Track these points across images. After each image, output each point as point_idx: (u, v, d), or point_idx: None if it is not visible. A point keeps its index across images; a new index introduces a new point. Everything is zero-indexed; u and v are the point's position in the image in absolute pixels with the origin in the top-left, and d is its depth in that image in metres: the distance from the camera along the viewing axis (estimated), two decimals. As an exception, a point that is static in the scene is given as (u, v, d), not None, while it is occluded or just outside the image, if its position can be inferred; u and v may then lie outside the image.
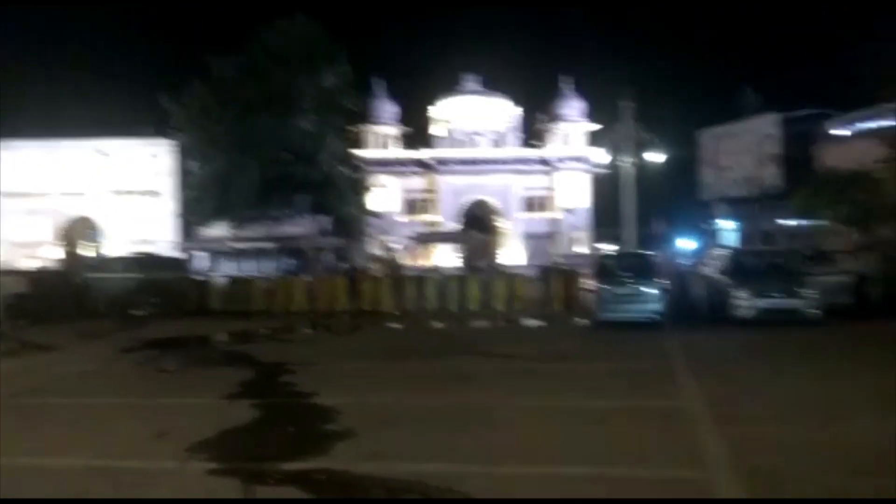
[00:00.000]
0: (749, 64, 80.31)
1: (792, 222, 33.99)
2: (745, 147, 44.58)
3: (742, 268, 15.61)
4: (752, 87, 44.27)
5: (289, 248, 28.84)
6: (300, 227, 31.06)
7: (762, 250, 21.23)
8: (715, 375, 9.17)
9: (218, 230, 31.88)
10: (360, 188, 37.50)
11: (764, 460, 5.35)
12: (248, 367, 10.27)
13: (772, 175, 42.25)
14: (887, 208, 23.87)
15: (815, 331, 13.25)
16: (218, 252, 29.87)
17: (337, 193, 33.61)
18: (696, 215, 46.36)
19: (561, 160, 49.70)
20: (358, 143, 43.22)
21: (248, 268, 25.34)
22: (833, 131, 38.41)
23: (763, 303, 14.32)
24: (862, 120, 34.02)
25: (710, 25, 76.48)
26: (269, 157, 31.14)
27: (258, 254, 27.98)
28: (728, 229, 44.21)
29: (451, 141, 50.30)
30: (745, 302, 14.41)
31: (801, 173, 36.10)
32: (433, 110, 51.07)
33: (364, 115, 42.62)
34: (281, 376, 9.54)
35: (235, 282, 21.22)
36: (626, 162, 36.72)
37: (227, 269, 26.02)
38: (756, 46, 78.31)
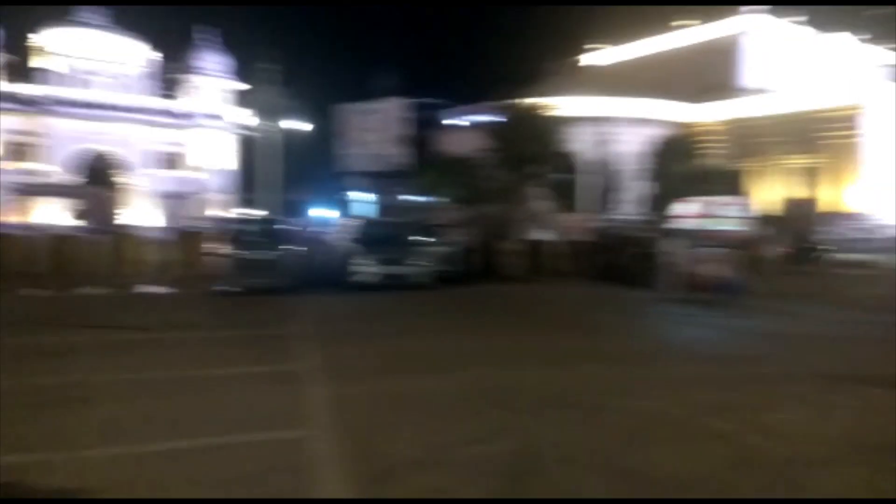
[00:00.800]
0: (392, 50, 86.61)
1: (414, 197, 37.83)
2: (378, 126, 48.12)
3: (367, 237, 16.77)
4: (389, 70, 47.80)
5: None
6: None
7: (386, 222, 23.18)
8: (334, 338, 9.65)
9: None
10: None
11: (360, 414, 5.80)
12: None
13: (399, 154, 46.46)
14: (488, 190, 28.29)
15: (428, 294, 14.97)
16: None
17: None
18: (334, 186, 48.58)
19: (201, 116, 46.94)
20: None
21: None
22: (451, 121, 43.84)
23: (385, 269, 15.64)
24: (474, 113, 39.51)
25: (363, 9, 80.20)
26: None
27: None
28: (360, 201, 47.31)
29: (71, 80, 43.42)
30: (369, 268, 15.54)
31: (425, 155, 40.56)
32: (44, 40, 43.34)
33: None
34: None
35: None
36: (272, 126, 36.50)
37: None
38: (401, 35, 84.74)
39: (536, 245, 20.80)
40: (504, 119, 29.14)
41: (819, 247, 22.59)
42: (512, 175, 27.39)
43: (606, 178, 36.79)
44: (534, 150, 27.12)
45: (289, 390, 6.49)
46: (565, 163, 34.96)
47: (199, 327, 10.53)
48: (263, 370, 7.42)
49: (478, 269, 18.64)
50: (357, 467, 4.53)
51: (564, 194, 35.50)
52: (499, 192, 27.39)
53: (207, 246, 17.90)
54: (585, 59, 53.96)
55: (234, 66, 47.66)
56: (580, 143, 36.29)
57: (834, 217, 34.98)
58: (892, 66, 48.92)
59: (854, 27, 47.14)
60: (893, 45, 48.99)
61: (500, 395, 6.50)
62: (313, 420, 5.55)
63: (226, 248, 15.05)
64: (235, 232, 16.12)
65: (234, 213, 39.38)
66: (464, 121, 41.54)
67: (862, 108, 36.61)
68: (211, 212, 42.81)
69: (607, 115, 38.43)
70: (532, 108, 28.74)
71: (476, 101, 38.82)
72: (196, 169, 46.60)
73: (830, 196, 37.21)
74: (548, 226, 25.68)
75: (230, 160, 47.71)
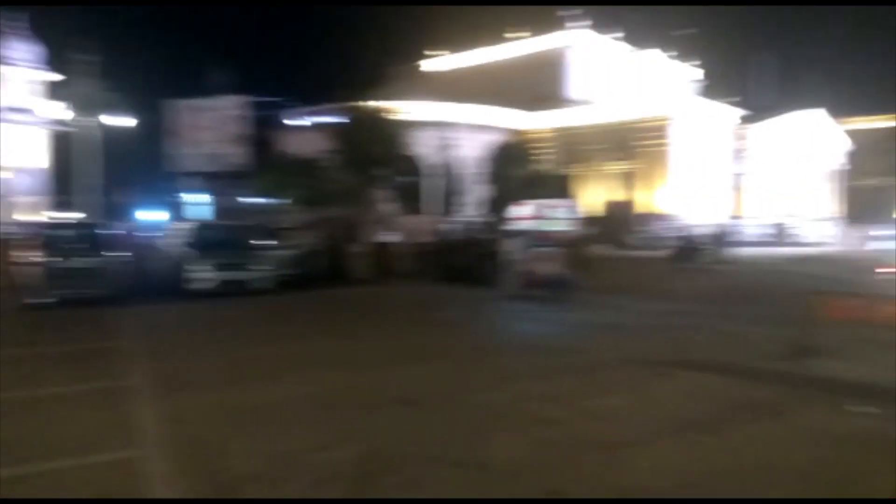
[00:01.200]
0: (228, 45, 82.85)
1: (254, 199, 36.43)
2: (213, 124, 45.75)
3: (203, 241, 15.89)
4: (226, 66, 45.64)
5: None
6: None
7: (224, 225, 22.08)
8: (167, 350, 9.09)
9: None
10: None
11: (198, 429, 5.53)
12: None
13: (237, 154, 44.51)
14: (332, 192, 27.92)
15: (269, 299, 14.50)
16: None
17: None
18: (164, 187, 45.43)
19: (6, 110, 41.89)
20: None
21: None
22: (293, 121, 42.75)
23: (222, 275, 14.93)
24: (317, 114, 38.83)
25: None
26: None
27: None
28: (195, 203, 44.65)
29: None
30: (205, 274, 14.76)
31: (265, 155, 39.24)
32: None
33: None
34: None
35: None
36: (89, 122, 33.36)
37: None
38: (237, 30, 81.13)
39: (383, 247, 20.90)
40: (347, 121, 28.96)
41: (700, 246, 24.69)
42: (357, 177, 27.29)
43: (449, 182, 37.79)
44: (378, 153, 27.22)
45: (117, 408, 6.03)
46: (410, 166, 35.47)
47: (12, 344, 9.41)
48: (87, 388, 6.81)
49: (323, 273, 18.37)
50: (197, 484, 4.30)
51: (409, 197, 36.01)
52: (344, 195, 27.16)
53: (15, 254, 16.04)
54: (426, 65, 55.06)
55: (45, 55, 43.03)
56: (423, 147, 36.96)
57: (648, 217, 38.67)
58: (696, 81, 55.00)
59: (664, 45, 52.24)
60: (696, 63, 55.07)
61: (341, 398, 6.48)
62: (147, 438, 5.20)
63: (37, 256, 13.56)
64: (48, 237, 14.55)
65: (47, 216, 35.54)
66: (306, 121, 40.68)
67: (670, 119, 40.68)
68: (19, 216, 38.30)
69: (448, 120, 39.47)
70: (375, 111, 28.85)
71: (318, 102, 38.25)
72: (1, 169, 41.48)
73: (645, 199, 40.98)
74: (394, 228, 25.88)
75: (41, 158, 43.01)
